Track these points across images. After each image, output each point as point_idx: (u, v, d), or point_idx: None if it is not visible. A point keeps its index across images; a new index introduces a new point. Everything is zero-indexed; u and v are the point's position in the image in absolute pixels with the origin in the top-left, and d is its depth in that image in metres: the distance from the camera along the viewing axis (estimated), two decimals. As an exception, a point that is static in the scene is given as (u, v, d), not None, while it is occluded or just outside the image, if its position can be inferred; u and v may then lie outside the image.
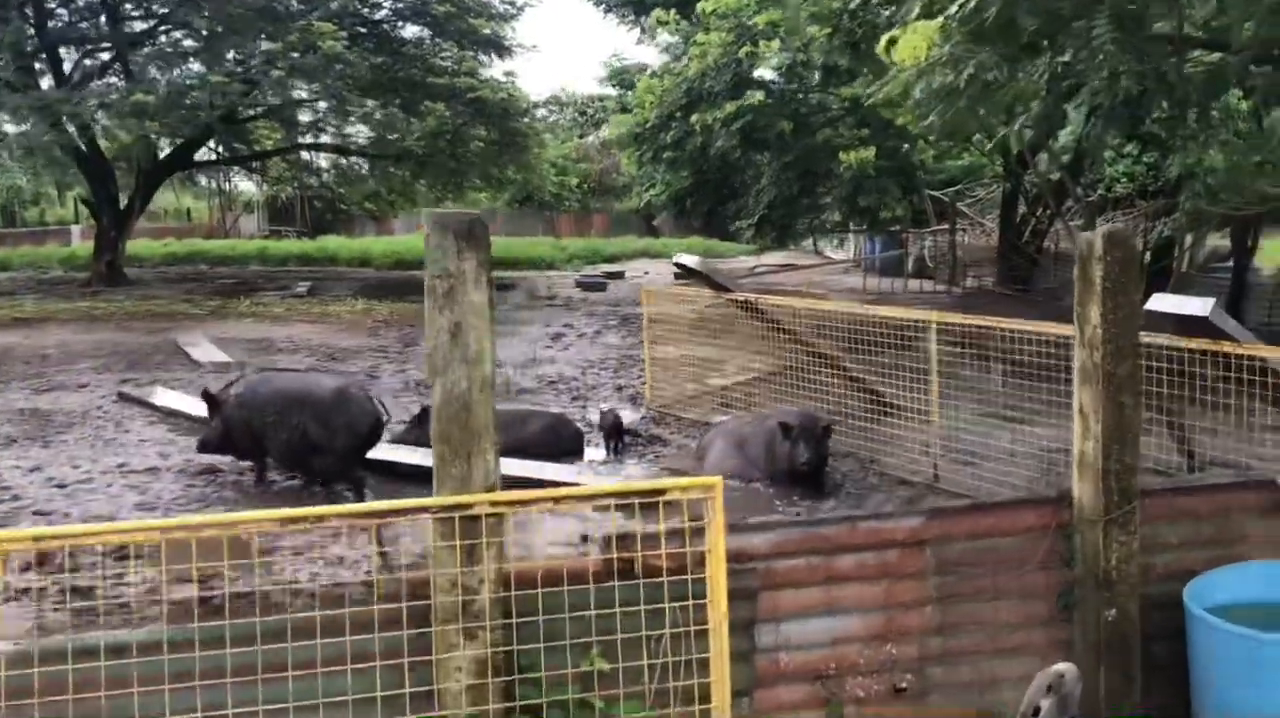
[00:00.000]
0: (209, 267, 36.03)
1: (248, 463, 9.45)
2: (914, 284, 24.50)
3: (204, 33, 26.43)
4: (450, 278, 3.49)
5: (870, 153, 15.28)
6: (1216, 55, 8.89)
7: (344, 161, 35.39)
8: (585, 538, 6.09)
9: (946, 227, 28.19)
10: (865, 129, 16.66)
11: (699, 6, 20.20)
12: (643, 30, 36.32)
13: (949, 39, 8.07)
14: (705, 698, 3.69)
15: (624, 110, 32.04)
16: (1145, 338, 7.36)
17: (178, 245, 38.75)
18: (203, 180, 48.97)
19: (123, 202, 29.79)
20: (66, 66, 27.83)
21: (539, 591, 3.59)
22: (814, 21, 14.12)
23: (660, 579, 3.72)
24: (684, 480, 3.69)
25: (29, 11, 26.36)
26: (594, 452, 10.70)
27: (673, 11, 22.57)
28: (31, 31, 26.06)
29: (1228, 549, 4.54)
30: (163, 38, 28.55)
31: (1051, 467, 8.58)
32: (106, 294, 25.50)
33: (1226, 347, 6.80)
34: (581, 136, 52.95)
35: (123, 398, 13.06)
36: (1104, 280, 4.18)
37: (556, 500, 3.56)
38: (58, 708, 3.19)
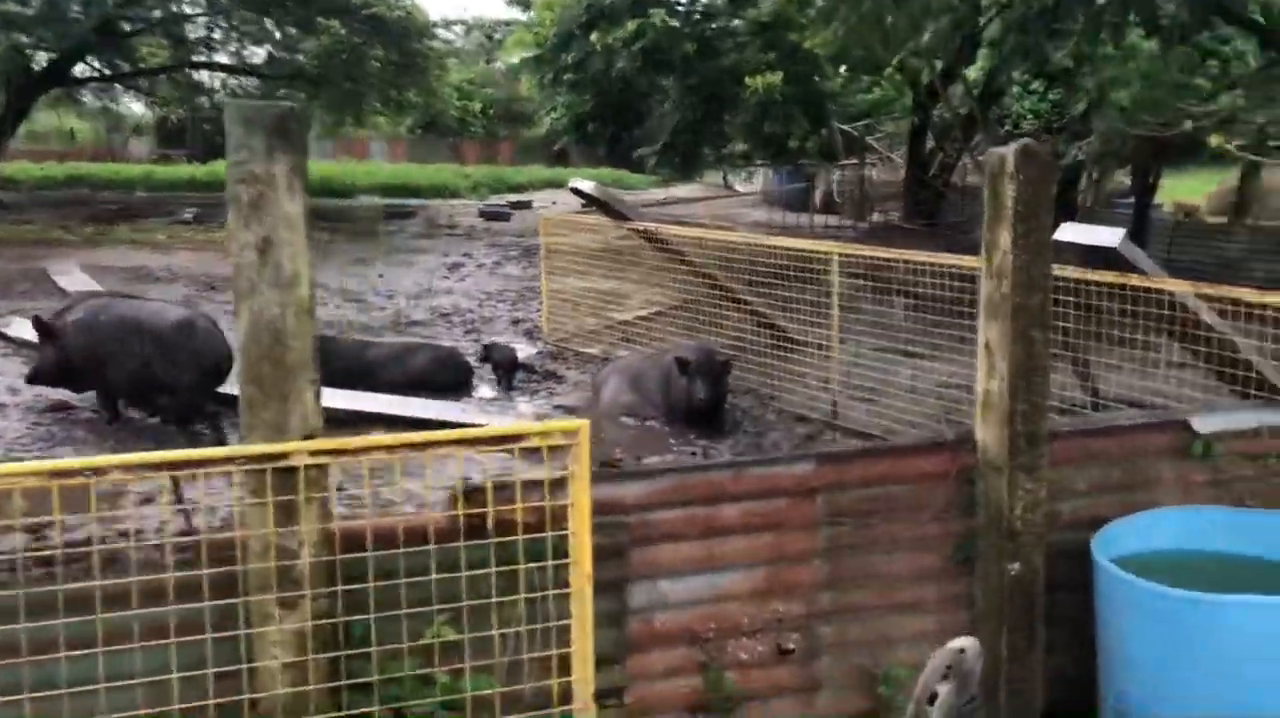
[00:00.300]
0: (91, 191, 34.24)
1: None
2: (821, 219, 24.23)
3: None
4: (258, 183, 2.92)
5: (777, 78, 14.77)
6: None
7: (235, 81, 33.71)
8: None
9: (855, 161, 27.96)
10: (772, 53, 16.10)
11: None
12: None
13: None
14: (567, 670, 3.25)
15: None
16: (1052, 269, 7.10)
17: (59, 168, 36.72)
18: (88, 100, 46.47)
19: (-7, 120, 27.90)
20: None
21: (369, 553, 3.09)
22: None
23: (515, 538, 3.24)
24: (543, 424, 3.21)
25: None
26: (491, 388, 10.19)
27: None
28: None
29: (1139, 494, 4.24)
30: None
31: (953, 404, 8.33)
32: (-25, 218, 23.95)
33: (1134, 279, 6.53)
34: (488, 61, 51.46)
35: (-26, 329, 12.10)
36: (1016, 202, 3.77)
37: (391, 448, 3.05)
38: None
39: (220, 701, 2.97)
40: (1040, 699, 3.96)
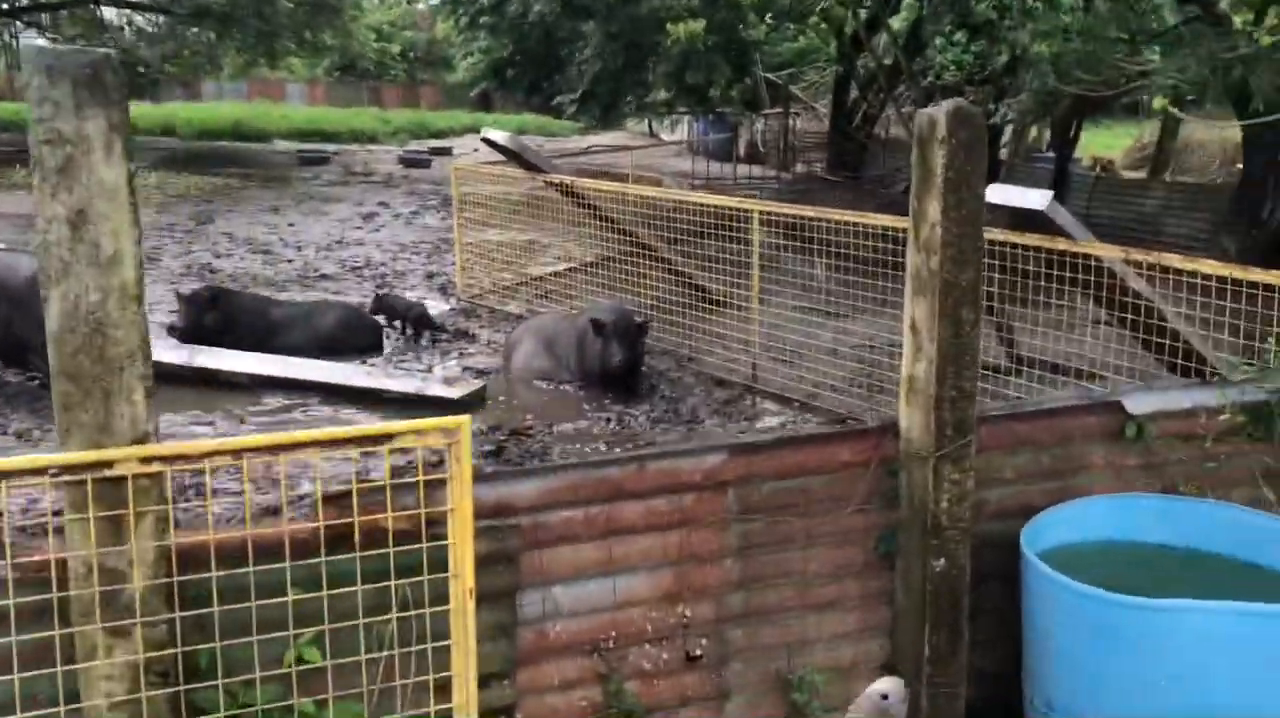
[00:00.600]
0: (-12, 131, 32.67)
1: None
2: (745, 169, 23.90)
3: None
4: (66, 144, 2.47)
5: (700, 26, 14.31)
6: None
7: (141, 19, 32.22)
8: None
9: (779, 110, 27.62)
10: (695, 0, 15.62)
11: None
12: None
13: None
14: (448, 694, 2.91)
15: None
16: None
17: (-52, 107, 34.86)
18: (-15, 34, 44.28)
19: (-128, 55, 26.27)
20: None
21: (213, 573, 2.70)
22: None
23: (385, 550, 2.87)
24: (417, 422, 2.83)
25: None
26: (400, 347, 9.72)
27: None
28: None
29: (1069, 481, 4.00)
30: None
31: (873, 368, 8.11)
32: None
33: (1061, 243, 6.29)
34: (409, 2, 49.95)
35: None
36: (947, 169, 3.45)
37: (237, 452, 2.65)
38: None
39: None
40: (963, 702, 3.72)
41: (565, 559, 3.29)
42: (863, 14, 19.14)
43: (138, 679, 2.64)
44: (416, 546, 2.87)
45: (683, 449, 3.40)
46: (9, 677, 2.54)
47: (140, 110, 37.67)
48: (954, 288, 3.48)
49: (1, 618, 2.56)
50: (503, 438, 7.23)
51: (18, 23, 35.81)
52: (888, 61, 24.10)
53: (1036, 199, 6.15)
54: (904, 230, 7.29)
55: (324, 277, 12.78)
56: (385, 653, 2.88)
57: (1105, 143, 31.62)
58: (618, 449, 7.04)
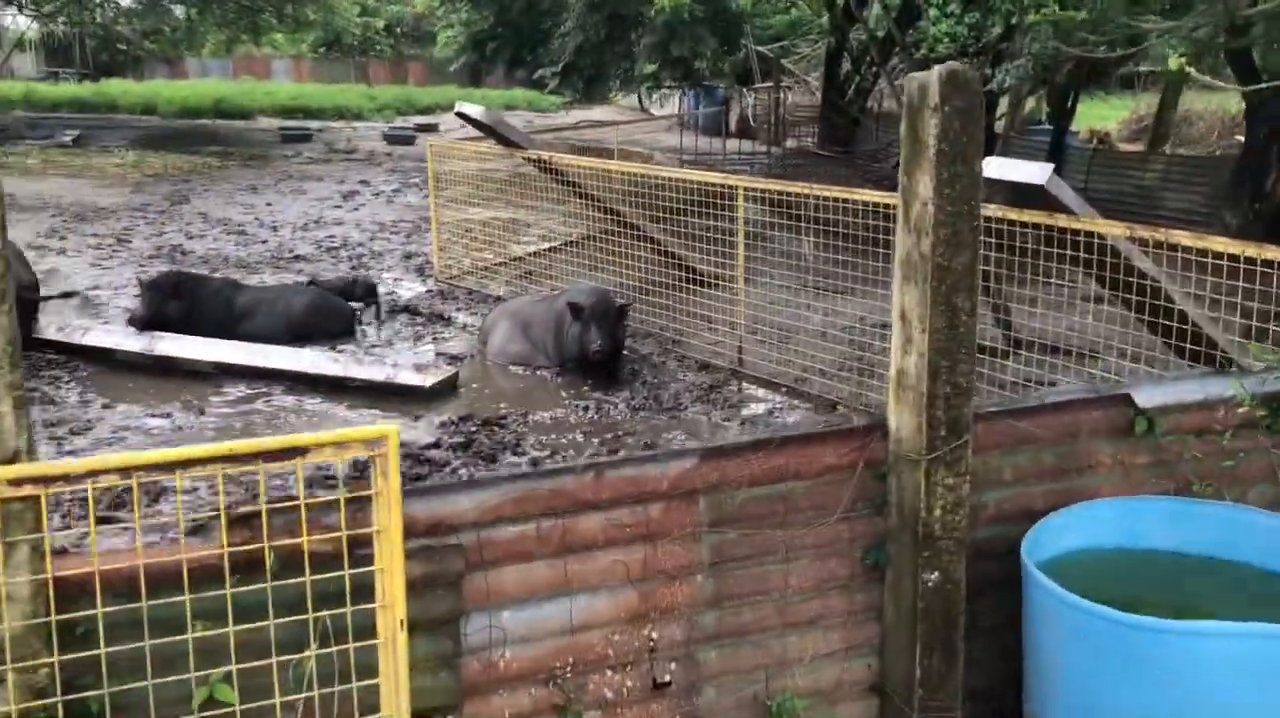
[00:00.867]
0: (-36, 111, 32.16)
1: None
2: (735, 144, 23.47)
3: None
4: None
5: (686, -2, 13.90)
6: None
7: (121, -5, 31.71)
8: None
9: (770, 84, 27.15)
10: (682, -30, 15.18)
11: None
12: None
13: None
14: (376, 736, 2.57)
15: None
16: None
17: (-72, 87, 34.37)
18: (-37, 12, 43.67)
19: None
20: None
21: (99, 609, 2.35)
22: None
23: (301, 579, 2.52)
24: (338, 433, 2.47)
25: None
26: (372, 331, 9.37)
27: None
28: None
29: (1074, 482, 3.65)
30: None
31: (864, 350, 7.78)
32: None
33: (1062, 220, 5.94)
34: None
35: None
36: (940, 140, 3.08)
37: (125, 470, 2.30)
38: None
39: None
40: (959, 727, 3.39)
41: (515, 580, 2.94)
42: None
43: (14, 733, 2.30)
44: (338, 573, 2.52)
45: (647, 455, 3.05)
46: None
47: (122, 88, 37.12)
48: (948, 273, 3.13)
49: None
50: (474, 429, 6.90)
51: (-3, 1, 35.21)
52: (880, 34, 23.63)
53: (1036, 173, 5.80)
54: (894, 207, 6.96)
55: (298, 258, 12.41)
56: (305, 693, 2.53)
57: (1101, 115, 31.18)
58: (595, 440, 6.73)
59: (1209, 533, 3.52)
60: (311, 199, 17.31)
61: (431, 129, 30.51)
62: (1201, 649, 2.87)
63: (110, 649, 2.35)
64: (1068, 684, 3.15)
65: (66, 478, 2.25)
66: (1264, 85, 8.95)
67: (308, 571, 2.51)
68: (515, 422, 7.04)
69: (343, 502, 2.57)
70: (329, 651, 2.54)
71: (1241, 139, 18.39)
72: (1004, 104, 21.33)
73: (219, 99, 34.47)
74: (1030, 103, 25.27)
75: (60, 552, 2.55)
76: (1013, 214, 6.30)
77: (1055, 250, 6.07)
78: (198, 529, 2.59)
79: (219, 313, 8.79)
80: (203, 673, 2.49)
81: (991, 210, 6.37)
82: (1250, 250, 4.94)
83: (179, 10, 33.31)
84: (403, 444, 6.59)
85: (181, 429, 6.80)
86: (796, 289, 8.87)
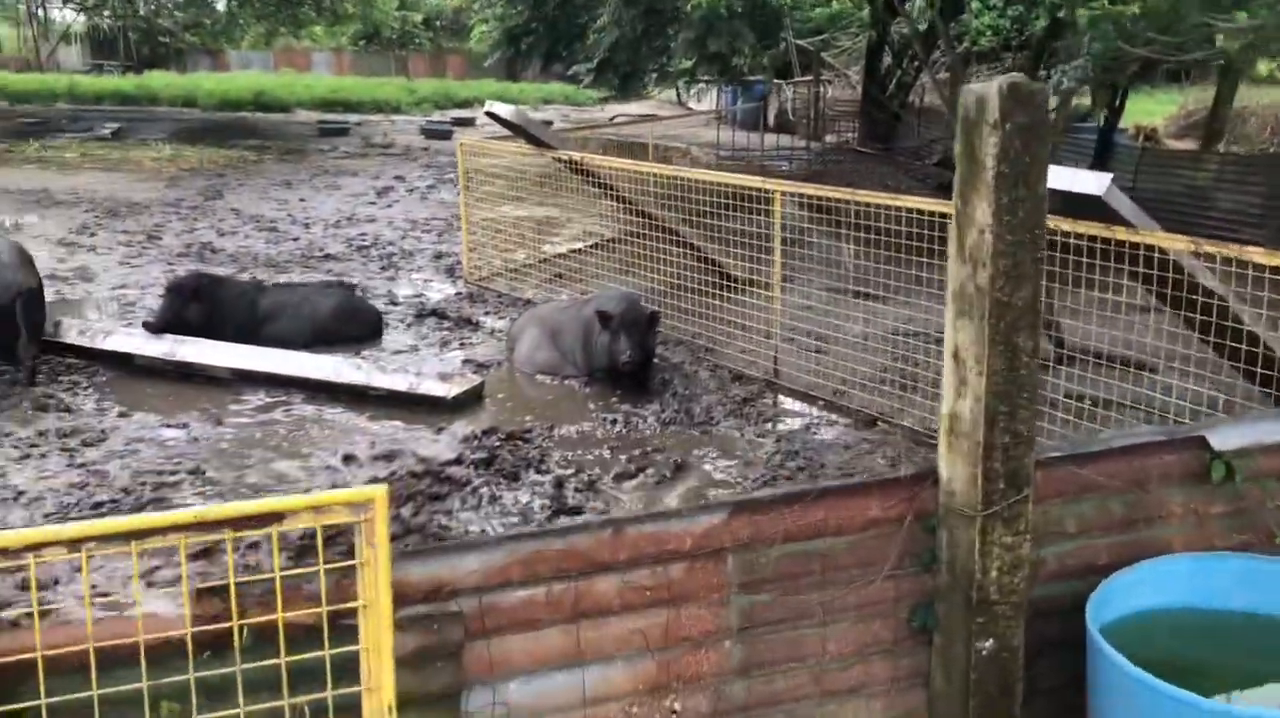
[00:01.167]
0: (10, 104, 32.41)
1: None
2: (773, 139, 23.05)
3: None
4: None
5: (724, -9, 13.52)
6: None
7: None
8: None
9: (810, 78, 26.69)
10: (720, -36, 14.80)
11: None
12: None
13: None
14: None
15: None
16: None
17: (-24, 78, 34.70)
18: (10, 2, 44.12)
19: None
20: None
21: (42, 699, 2.08)
22: None
23: (275, 661, 2.24)
24: (315, 497, 2.19)
25: None
26: (399, 335, 9.12)
27: None
28: None
29: (1142, 533, 3.31)
30: None
31: (906, 355, 7.42)
32: (-127, 134, 22.22)
33: (1120, 232, 5.57)
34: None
35: None
36: (999, 161, 2.75)
37: (74, 543, 2.03)
38: None
39: None
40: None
41: (522, 649, 2.66)
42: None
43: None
44: (318, 653, 2.25)
45: (670, 511, 2.75)
46: None
47: (164, 80, 37.27)
48: (1008, 309, 2.80)
49: None
50: (497, 443, 6.63)
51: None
52: (923, 27, 23.12)
53: (1093, 183, 5.42)
54: (939, 214, 6.60)
55: (329, 257, 12.20)
56: (281, 787, 2.26)
57: (1146, 110, 30.38)
58: (622, 456, 6.42)
59: (1296, 595, 3.17)
60: (345, 195, 17.15)
61: (468, 123, 30.33)
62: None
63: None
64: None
65: (5, 552, 1.98)
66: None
67: (283, 649, 2.23)
68: (540, 436, 6.76)
69: (322, 574, 2.29)
70: (307, 739, 2.27)
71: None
72: (1053, 101, 20.74)
73: (259, 91, 34.51)
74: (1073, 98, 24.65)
75: None
76: (1065, 224, 5.94)
77: (1112, 265, 5.71)
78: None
79: (242, 316, 8.59)
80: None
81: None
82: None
83: (220, 3, 33.40)
84: (423, 460, 6.34)
85: (198, 440, 6.59)
86: (834, 296, 8.54)
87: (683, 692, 2.84)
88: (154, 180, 18.25)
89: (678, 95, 35.47)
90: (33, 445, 6.36)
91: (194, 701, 2.18)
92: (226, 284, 8.99)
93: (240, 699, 2.20)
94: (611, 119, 28.07)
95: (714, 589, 2.82)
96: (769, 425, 7.02)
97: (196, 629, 2.22)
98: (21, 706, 2.12)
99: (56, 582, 4.28)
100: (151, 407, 7.16)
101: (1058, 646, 3.20)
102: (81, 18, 41.50)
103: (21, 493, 5.72)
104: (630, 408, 7.28)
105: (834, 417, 7.18)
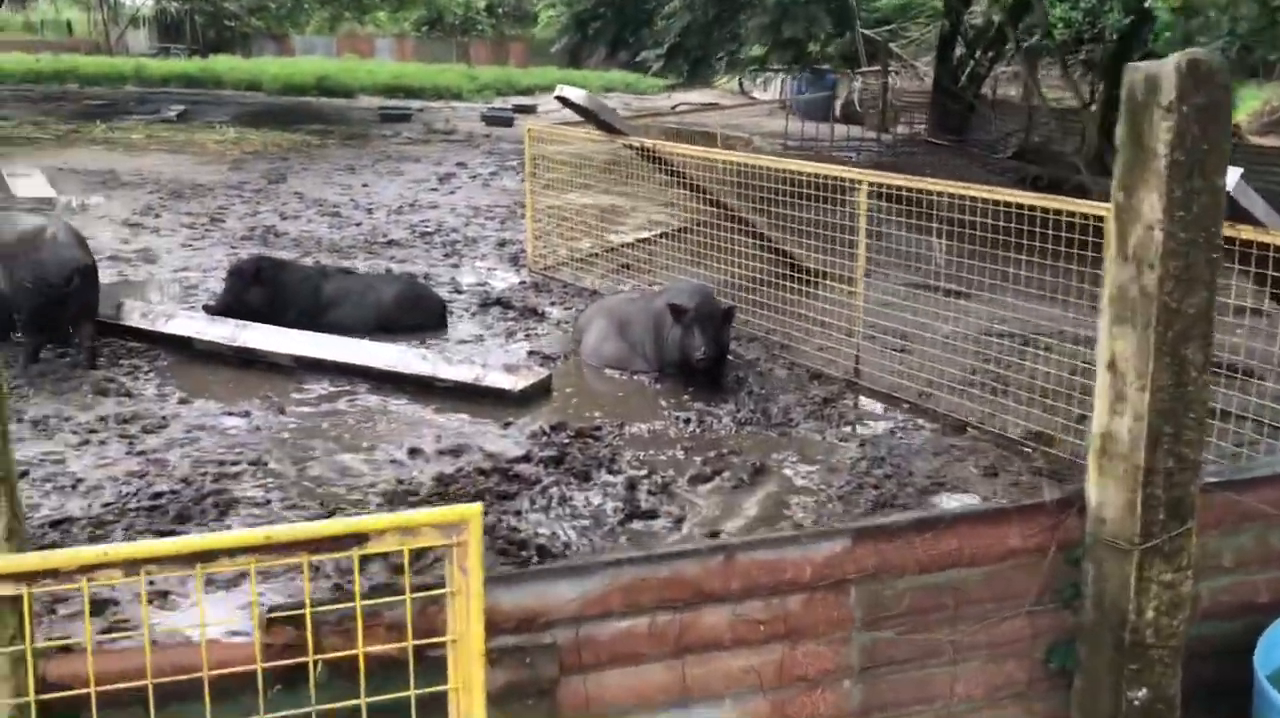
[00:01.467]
0: (79, 86, 32.80)
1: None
2: (841, 130, 22.56)
3: None
4: None
5: (800, -25, 13.09)
6: None
7: (227, -29, 32.02)
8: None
9: (877, 68, 26.14)
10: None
11: None
12: None
13: None
14: None
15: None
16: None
17: (48, 61, 35.11)
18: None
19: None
20: None
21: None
22: None
23: (356, 702, 1.98)
24: (400, 517, 1.92)
25: None
26: (463, 324, 8.89)
27: None
28: None
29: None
30: None
31: (995, 357, 7.03)
32: (-51, 114, 22.47)
33: (1246, 232, 5.16)
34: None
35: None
36: (1173, 148, 2.41)
37: (132, 565, 1.78)
38: None
39: None
40: None
41: (621, 686, 2.37)
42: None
43: None
44: (403, 693, 1.97)
45: (787, 536, 2.45)
46: None
47: (229, 64, 37.54)
48: (1177, 317, 2.46)
49: None
50: (566, 440, 6.36)
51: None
52: (997, 18, 22.51)
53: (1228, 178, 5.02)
54: (1038, 208, 6.22)
55: (391, 243, 12.03)
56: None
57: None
58: (697, 458, 6.11)
59: None
60: (408, 181, 16.99)
61: (530, 110, 30.14)
62: None
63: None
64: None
65: (55, 573, 1.73)
66: None
67: (363, 686, 1.97)
68: (611, 434, 6.49)
69: (409, 605, 2.01)
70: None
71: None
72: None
73: (322, 76, 34.60)
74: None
75: (48, 656, 2.04)
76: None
77: (1236, 267, 5.31)
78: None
79: (305, 301, 8.41)
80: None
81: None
82: None
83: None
84: (490, 456, 6.09)
85: (259, 429, 6.39)
86: (914, 291, 8.16)
87: (795, 736, 2.54)
88: (218, 163, 18.23)
89: (740, 84, 34.99)
90: (92, 431, 6.20)
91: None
92: (289, 268, 8.82)
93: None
94: (673, 107, 27.71)
95: (834, 624, 2.51)
96: (851, 428, 6.68)
97: (268, 665, 1.96)
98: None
99: (114, 601, 4.05)
100: (213, 393, 6.99)
101: (1212, 692, 2.85)
102: (150, 2, 41.95)
103: (80, 480, 5.56)
104: (704, 406, 6.98)
105: (920, 421, 6.82)
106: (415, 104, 31.60)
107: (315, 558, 1.88)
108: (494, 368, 7.32)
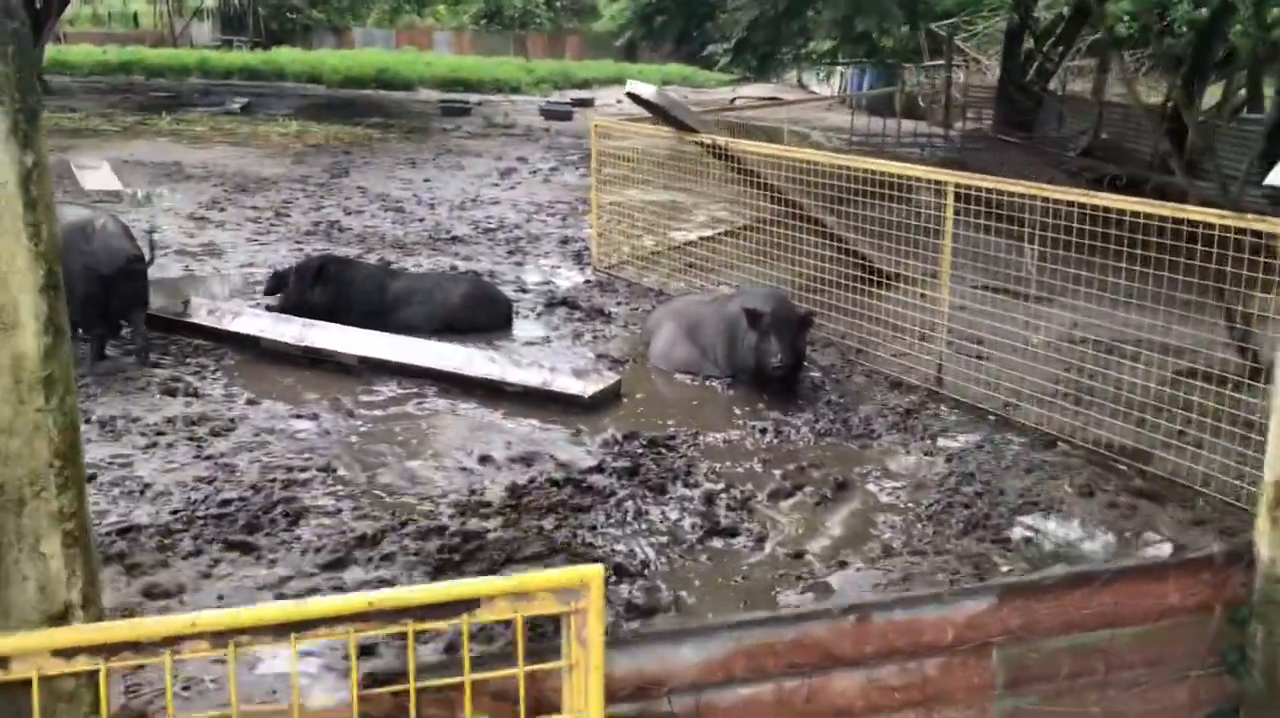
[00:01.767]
0: (145, 77, 33.26)
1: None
2: (903, 125, 22.10)
3: None
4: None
5: (874, -32, 12.73)
6: None
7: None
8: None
9: (941, 62, 25.61)
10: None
11: None
12: None
13: None
14: None
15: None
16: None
17: (115, 53, 35.65)
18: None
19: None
20: None
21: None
22: None
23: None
24: (515, 581, 1.71)
25: None
26: (529, 325, 8.72)
27: None
28: None
29: None
30: None
31: (1079, 365, 6.71)
32: (17, 105, 22.69)
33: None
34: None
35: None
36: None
37: (219, 636, 1.59)
38: None
39: None
40: None
41: (742, 757, 2.15)
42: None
43: None
44: (512, 776, 1.77)
45: (925, 595, 2.22)
46: None
47: (290, 56, 37.84)
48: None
49: None
50: (639, 450, 6.14)
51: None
52: (1067, 11, 21.91)
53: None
54: (1146, 216, 5.88)
55: (455, 239, 11.90)
56: None
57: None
58: (776, 471, 5.86)
59: None
60: (469, 175, 16.89)
61: (588, 104, 30.00)
62: None
63: None
64: None
65: (136, 647, 1.54)
66: None
67: (469, 768, 1.76)
68: (685, 443, 6.27)
69: (522, 680, 1.80)
70: None
71: None
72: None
73: (381, 69, 34.74)
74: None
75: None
76: (1256, 224, 5.24)
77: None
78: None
79: (370, 300, 8.28)
80: None
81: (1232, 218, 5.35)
82: None
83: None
84: (562, 465, 5.90)
85: (328, 433, 6.25)
86: (988, 295, 7.83)
87: (928, 812, 2.31)
88: (281, 156, 18.26)
89: (798, 78, 34.55)
90: (160, 433, 6.10)
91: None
92: (354, 266, 8.71)
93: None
94: (731, 101, 27.41)
95: (975, 690, 2.27)
96: (936, 441, 6.40)
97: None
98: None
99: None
100: (280, 394, 6.87)
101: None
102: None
103: (148, 486, 5.44)
104: (780, 415, 6.73)
105: (1008, 435, 6.52)
106: (474, 97, 31.60)
107: (421, 627, 1.67)
108: (563, 371, 7.14)
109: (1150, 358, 6.29)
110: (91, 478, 5.47)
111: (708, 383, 7.35)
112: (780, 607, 4.49)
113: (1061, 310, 7.22)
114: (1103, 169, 16.69)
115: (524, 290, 9.66)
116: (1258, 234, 5.49)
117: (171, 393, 6.73)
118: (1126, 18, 21.26)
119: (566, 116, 26.55)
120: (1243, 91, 23.56)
